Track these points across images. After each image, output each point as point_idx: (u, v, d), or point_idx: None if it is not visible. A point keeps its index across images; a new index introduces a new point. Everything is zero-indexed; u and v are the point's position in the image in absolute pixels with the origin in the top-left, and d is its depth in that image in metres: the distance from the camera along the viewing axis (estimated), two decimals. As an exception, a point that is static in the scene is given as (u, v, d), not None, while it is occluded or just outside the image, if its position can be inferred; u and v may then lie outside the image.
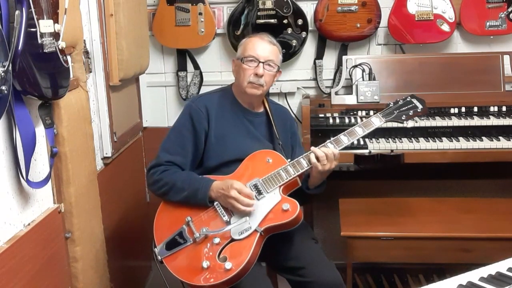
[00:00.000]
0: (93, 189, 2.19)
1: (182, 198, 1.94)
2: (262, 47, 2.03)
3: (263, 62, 2.01)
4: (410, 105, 2.10)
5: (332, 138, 2.00)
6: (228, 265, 1.78)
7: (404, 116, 2.08)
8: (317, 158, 1.92)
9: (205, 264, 1.80)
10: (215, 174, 2.01)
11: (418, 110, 2.10)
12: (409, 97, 2.14)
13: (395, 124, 2.62)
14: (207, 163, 2.06)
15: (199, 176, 2.00)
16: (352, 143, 2.56)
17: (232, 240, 1.84)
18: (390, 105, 2.11)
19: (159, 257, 1.89)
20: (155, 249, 1.91)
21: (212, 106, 2.07)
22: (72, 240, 1.98)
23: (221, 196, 1.89)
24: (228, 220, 1.88)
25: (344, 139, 2.00)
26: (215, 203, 1.92)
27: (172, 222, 1.94)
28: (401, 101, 2.12)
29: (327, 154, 1.93)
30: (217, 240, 1.85)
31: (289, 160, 1.99)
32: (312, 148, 1.95)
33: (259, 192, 1.91)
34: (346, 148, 2.54)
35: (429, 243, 2.34)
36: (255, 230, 1.84)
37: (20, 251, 1.60)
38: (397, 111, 2.09)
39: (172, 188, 1.96)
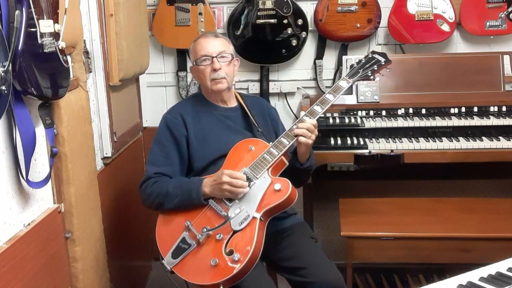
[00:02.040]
0: (93, 189, 2.19)
1: (178, 203, 1.95)
2: (210, 44, 2.08)
3: (215, 56, 2.06)
4: (373, 61, 2.20)
5: (306, 111, 2.05)
6: (236, 256, 1.79)
7: (369, 72, 2.17)
8: (302, 135, 1.96)
9: (213, 261, 1.81)
10: (205, 175, 2.02)
11: (382, 63, 2.19)
12: (370, 54, 2.24)
13: (394, 124, 2.65)
14: (195, 166, 2.08)
15: (189, 178, 2.02)
16: (352, 142, 2.60)
17: (234, 232, 1.85)
18: (354, 66, 2.22)
19: (169, 267, 1.89)
20: (163, 261, 1.91)
21: (186, 112, 2.12)
22: (72, 240, 1.98)
23: (215, 187, 1.90)
24: (226, 214, 1.89)
25: (318, 108, 2.06)
26: (210, 202, 1.93)
27: (173, 231, 1.94)
28: (363, 59, 2.23)
29: (308, 128, 1.97)
30: (220, 236, 1.85)
31: (271, 143, 2.01)
32: (294, 129, 1.98)
33: (249, 180, 1.91)
34: (346, 148, 2.59)
35: (429, 243, 2.34)
36: (254, 217, 1.85)
37: (20, 251, 1.60)
38: (362, 69, 2.18)
39: (166, 197, 1.97)
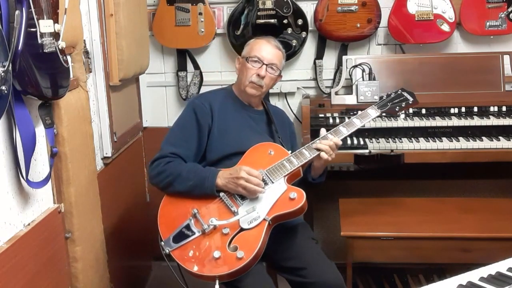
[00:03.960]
0: (93, 189, 2.19)
1: (188, 187, 1.95)
2: (268, 50, 2.12)
3: (266, 64, 2.09)
4: (402, 98, 2.28)
5: (331, 130, 2.08)
6: (240, 254, 1.80)
7: (397, 107, 2.25)
8: (324, 151, 1.99)
9: (216, 254, 1.81)
10: (217, 167, 2.02)
11: (410, 102, 2.27)
12: (399, 91, 2.31)
13: (394, 124, 2.65)
14: (209, 157, 2.08)
15: (205, 167, 2.03)
16: (352, 142, 2.61)
17: (242, 229, 1.86)
18: (384, 98, 2.28)
19: (167, 250, 1.89)
20: (161, 242, 1.91)
21: (215, 102, 2.13)
22: (72, 240, 1.98)
23: (230, 180, 1.90)
24: (236, 210, 1.90)
25: (343, 130, 2.10)
26: (221, 194, 1.93)
27: (177, 215, 1.94)
28: (393, 94, 2.29)
29: (331, 146, 2.01)
30: (226, 230, 1.86)
31: (290, 151, 2.03)
32: (317, 143, 2.01)
33: (265, 182, 1.93)
34: (346, 148, 2.59)
35: (429, 243, 2.34)
36: (264, 219, 1.87)
37: (20, 251, 1.60)
38: (391, 103, 2.25)
39: (177, 178, 1.96)
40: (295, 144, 2.29)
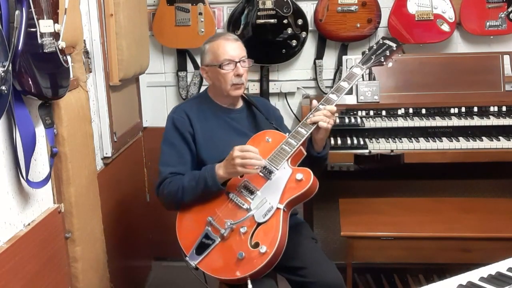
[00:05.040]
0: (93, 189, 2.19)
1: (196, 194, 1.93)
2: (232, 46, 2.04)
3: (238, 62, 2.03)
4: (384, 47, 2.19)
5: (321, 100, 2.05)
6: (262, 248, 1.78)
7: (382, 57, 2.16)
8: (321, 120, 1.96)
9: (240, 255, 1.80)
10: None
11: (394, 49, 2.18)
12: (381, 40, 2.23)
13: (394, 124, 2.65)
14: (204, 164, 2.05)
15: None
16: (352, 142, 2.60)
17: (259, 224, 1.84)
18: (366, 53, 2.20)
19: (193, 264, 1.87)
20: (186, 258, 1.89)
21: (191, 111, 2.10)
22: (72, 240, 1.98)
23: (228, 165, 1.88)
24: (248, 207, 1.88)
25: (333, 96, 2.05)
26: (230, 195, 1.92)
27: (194, 227, 1.92)
28: (374, 45, 2.22)
29: (326, 114, 1.97)
30: (244, 229, 1.84)
31: (287, 134, 2.02)
32: (311, 117, 1.98)
33: (270, 172, 1.92)
34: (346, 147, 2.59)
35: (429, 243, 2.34)
36: (278, 208, 1.85)
37: (20, 251, 1.60)
38: (374, 55, 2.18)
39: (183, 192, 1.95)
40: (283, 129, 2.21)
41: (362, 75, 2.19)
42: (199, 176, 1.94)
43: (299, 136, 1.97)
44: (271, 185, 1.90)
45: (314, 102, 2.06)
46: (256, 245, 1.81)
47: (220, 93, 2.10)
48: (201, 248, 1.88)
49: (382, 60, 2.16)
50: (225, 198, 1.93)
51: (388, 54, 2.17)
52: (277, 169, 1.92)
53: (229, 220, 1.86)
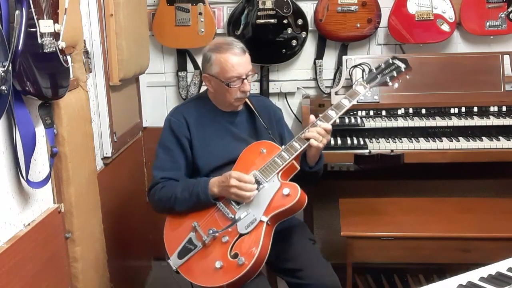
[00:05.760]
0: (93, 189, 2.19)
1: (188, 206, 1.94)
2: (240, 62, 1.97)
3: (245, 78, 1.99)
4: (393, 67, 2.09)
5: (320, 115, 1.99)
6: (240, 260, 1.77)
7: (388, 78, 2.07)
8: (313, 138, 1.92)
9: (218, 264, 1.80)
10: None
11: (402, 70, 2.08)
12: (390, 59, 2.12)
13: (394, 124, 2.65)
14: (201, 169, 2.06)
15: (195, 180, 1.99)
16: (352, 142, 2.60)
17: (240, 235, 1.83)
18: (373, 71, 2.11)
19: (174, 267, 1.89)
20: (169, 260, 1.90)
21: (190, 115, 2.07)
22: (72, 240, 1.98)
23: (223, 188, 1.88)
24: (233, 216, 1.87)
25: (332, 113, 2.00)
26: (218, 203, 1.92)
27: (180, 232, 1.93)
28: (383, 64, 2.11)
29: (319, 132, 1.93)
30: (225, 239, 1.84)
31: (282, 146, 1.99)
32: (306, 132, 1.94)
33: (258, 183, 1.89)
34: (346, 147, 2.58)
35: (429, 243, 2.33)
36: (261, 221, 1.83)
37: (20, 251, 1.60)
38: (380, 75, 2.09)
39: (175, 202, 1.95)
40: (283, 131, 2.19)
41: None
42: (193, 189, 1.93)
43: (292, 150, 1.93)
44: (258, 197, 1.88)
45: (312, 117, 2.00)
46: (235, 255, 1.80)
47: (222, 102, 2.08)
48: (183, 252, 1.89)
49: (388, 80, 2.07)
50: (213, 206, 1.93)
51: (395, 75, 2.08)
52: (266, 181, 1.90)
53: (213, 228, 1.86)
